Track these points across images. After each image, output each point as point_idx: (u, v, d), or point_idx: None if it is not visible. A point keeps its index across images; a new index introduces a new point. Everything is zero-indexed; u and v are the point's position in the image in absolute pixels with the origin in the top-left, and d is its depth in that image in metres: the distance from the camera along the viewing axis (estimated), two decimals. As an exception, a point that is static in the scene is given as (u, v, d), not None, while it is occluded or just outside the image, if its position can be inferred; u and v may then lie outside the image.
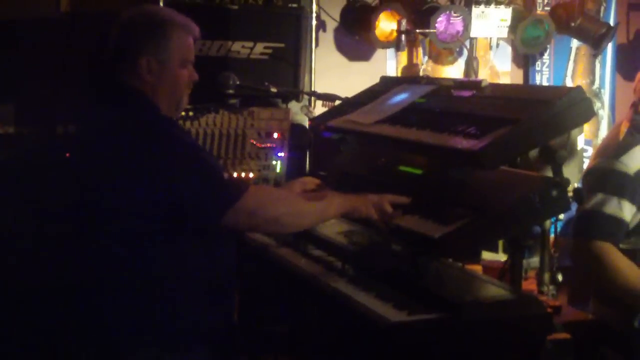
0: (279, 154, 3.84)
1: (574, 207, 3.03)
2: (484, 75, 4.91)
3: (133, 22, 2.58)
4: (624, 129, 3.29)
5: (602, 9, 5.23)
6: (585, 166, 3.50)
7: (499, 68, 5.08)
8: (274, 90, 3.89)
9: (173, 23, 2.58)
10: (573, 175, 3.40)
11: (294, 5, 4.20)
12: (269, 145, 3.84)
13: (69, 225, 2.60)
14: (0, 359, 3.58)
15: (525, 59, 5.14)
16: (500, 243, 3.45)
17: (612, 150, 3.25)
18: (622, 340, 3.15)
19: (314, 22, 4.40)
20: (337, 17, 4.76)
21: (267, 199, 2.56)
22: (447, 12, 4.63)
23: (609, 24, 5.03)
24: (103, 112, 2.60)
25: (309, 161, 3.85)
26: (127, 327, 2.47)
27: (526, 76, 5.15)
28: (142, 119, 2.53)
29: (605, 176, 3.19)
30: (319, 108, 4.07)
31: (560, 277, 3.01)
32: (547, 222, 2.96)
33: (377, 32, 4.57)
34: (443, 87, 3.23)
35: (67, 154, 2.76)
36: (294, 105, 4.04)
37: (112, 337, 2.48)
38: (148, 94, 2.56)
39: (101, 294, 2.50)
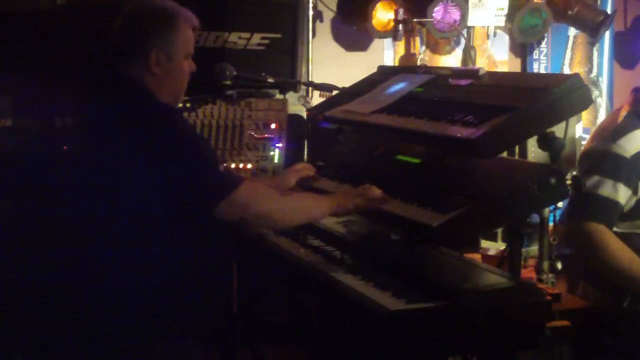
0: (277, 145, 3.84)
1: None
2: (481, 64, 4.90)
3: (140, 15, 2.58)
4: (623, 112, 3.28)
5: (600, -4, 5.22)
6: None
7: (496, 57, 5.06)
8: (271, 80, 3.89)
9: (179, 16, 2.60)
10: (571, 162, 3.41)
11: (291, -5, 4.19)
12: (266, 136, 3.84)
13: (66, 216, 2.61)
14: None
15: (522, 48, 5.12)
16: (499, 231, 3.46)
17: (610, 132, 3.23)
18: (612, 322, 3.16)
19: (311, 13, 4.39)
20: (334, 7, 4.75)
21: (259, 194, 2.60)
22: (444, 1, 4.62)
23: (606, 12, 5.02)
24: (102, 104, 2.61)
25: (307, 151, 3.85)
26: (119, 314, 2.48)
27: (524, 65, 5.12)
28: (141, 108, 2.55)
29: (601, 158, 3.18)
30: (317, 98, 4.06)
31: (559, 265, 3.01)
32: (546, 210, 2.95)
33: (374, 21, 4.55)
34: (441, 76, 3.22)
35: (65, 147, 2.76)
36: (291, 96, 4.03)
37: (104, 323, 2.50)
38: (149, 86, 2.56)
39: (95, 280, 2.52)
